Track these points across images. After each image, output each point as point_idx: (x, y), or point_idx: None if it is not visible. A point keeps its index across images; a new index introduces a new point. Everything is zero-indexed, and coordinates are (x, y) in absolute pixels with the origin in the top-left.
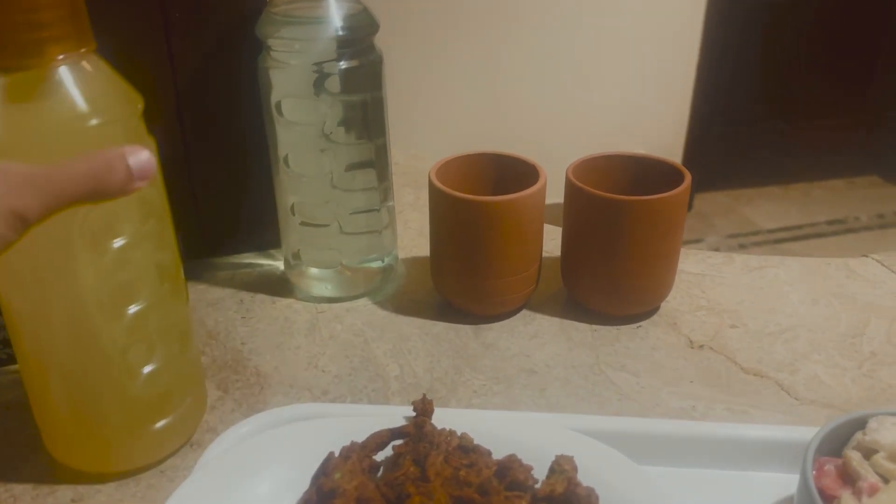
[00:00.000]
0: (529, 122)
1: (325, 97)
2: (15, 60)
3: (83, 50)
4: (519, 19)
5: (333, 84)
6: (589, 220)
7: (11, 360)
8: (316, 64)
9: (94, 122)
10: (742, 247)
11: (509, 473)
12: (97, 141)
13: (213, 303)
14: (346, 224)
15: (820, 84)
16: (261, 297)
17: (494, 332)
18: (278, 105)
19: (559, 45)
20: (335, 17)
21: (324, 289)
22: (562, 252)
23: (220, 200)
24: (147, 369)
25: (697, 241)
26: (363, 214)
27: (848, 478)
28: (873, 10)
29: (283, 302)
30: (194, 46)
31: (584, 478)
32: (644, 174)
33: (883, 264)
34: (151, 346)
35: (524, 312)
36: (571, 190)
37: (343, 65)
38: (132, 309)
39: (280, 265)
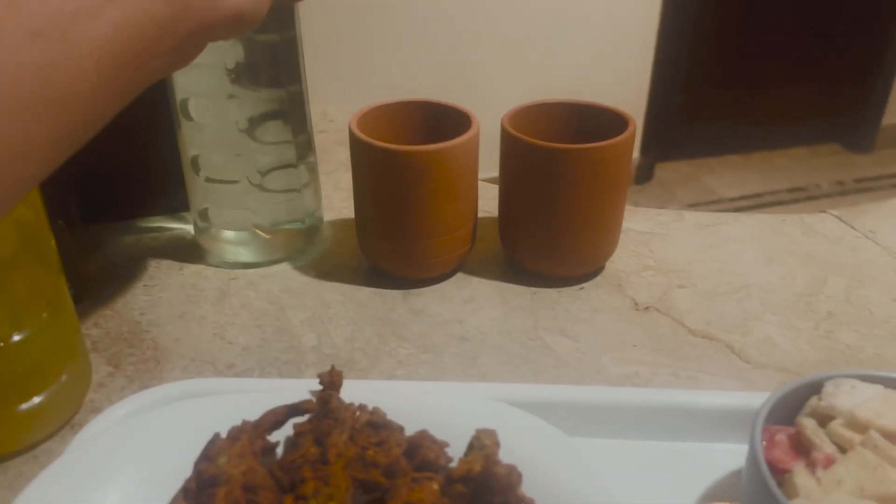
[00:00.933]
0: (479, 82)
1: None
2: None
3: None
4: None
5: None
6: (526, 173)
7: None
8: None
9: None
10: None
11: (419, 452)
12: None
13: (113, 270)
14: (257, 181)
15: (780, 53)
16: (167, 263)
17: (425, 297)
18: None
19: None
20: None
21: (238, 253)
22: (499, 209)
23: (121, 156)
24: (10, 340)
25: (658, 208)
26: (278, 171)
27: (801, 448)
28: None
29: (191, 268)
30: None
31: (508, 453)
32: (587, 123)
33: (842, 220)
34: (14, 314)
35: (458, 276)
36: (507, 140)
37: None
38: None
39: (191, 229)
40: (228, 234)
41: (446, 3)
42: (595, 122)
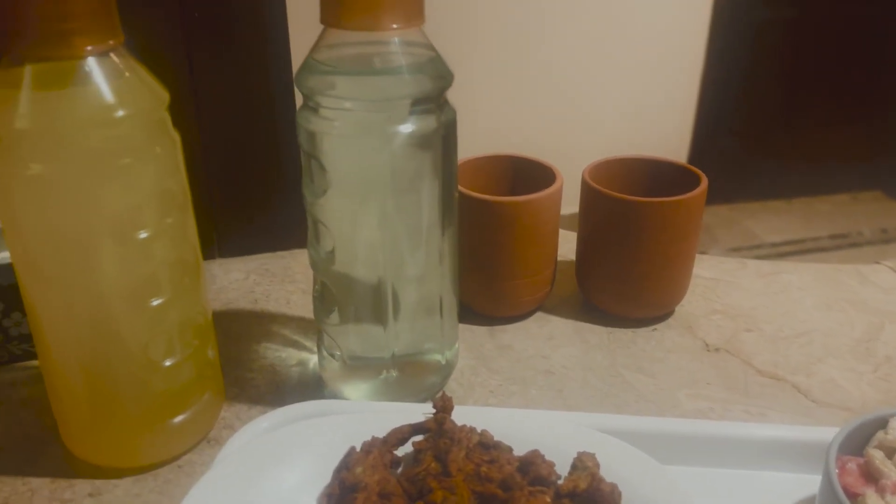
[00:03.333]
0: (531, 131)
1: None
2: (44, 50)
3: (111, 42)
4: (528, 26)
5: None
6: (604, 222)
7: (31, 355)
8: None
9: (120, 113)
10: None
11: (532, 469)
12: (124, 132)
13: (229, 302)
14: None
15: (824, 99)
16: (275, 296)
17: (509, 333)
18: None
19: (564, 57)
20: (402, 66)
21: None
22: (577, 254)
23: (238, 202)
24: (166, 364)
25: (701, 253)
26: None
27: (870, 476)
28: (878, 24)
29: (297, 303)
30: (214, 53)
31: (607, 475)
32: (660, 177)
33: (895, 270)
34: (171, 340)
35: (539, 314)
36: (587, 192)
37: (409, 128)
38: (154, 302)
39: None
40: None
41: (529, 69)
42: (668, 176)
